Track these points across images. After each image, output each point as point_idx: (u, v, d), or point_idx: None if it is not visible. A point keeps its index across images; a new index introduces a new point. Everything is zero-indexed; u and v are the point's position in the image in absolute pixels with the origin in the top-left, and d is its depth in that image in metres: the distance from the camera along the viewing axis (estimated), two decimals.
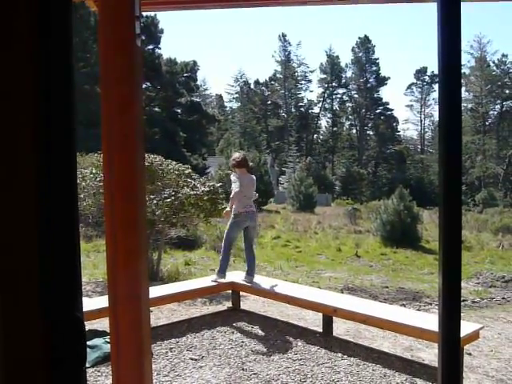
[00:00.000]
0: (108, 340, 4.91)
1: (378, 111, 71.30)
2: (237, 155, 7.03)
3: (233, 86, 77.84)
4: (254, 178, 7.02)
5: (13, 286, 0.86)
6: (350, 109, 73.85)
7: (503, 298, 9.01)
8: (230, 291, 7.12)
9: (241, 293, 7.08)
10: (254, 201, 6.85)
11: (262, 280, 7.03)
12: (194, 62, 46.10)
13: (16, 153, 0.86)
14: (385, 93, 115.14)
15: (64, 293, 0.90)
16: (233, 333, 6.00)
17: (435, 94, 67.72)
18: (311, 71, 75.20)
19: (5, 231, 0.86)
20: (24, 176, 0.87)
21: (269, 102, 74.97)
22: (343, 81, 73.25)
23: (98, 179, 8.24)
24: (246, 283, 6.72)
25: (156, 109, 41.83)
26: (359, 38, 71.11)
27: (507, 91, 63.47)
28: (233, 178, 6.82)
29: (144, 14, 34.44)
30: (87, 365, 4.80)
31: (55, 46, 0.90)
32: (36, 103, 0.87)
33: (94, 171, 8.67)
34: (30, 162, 0.87)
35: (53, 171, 0.90)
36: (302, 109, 74.89)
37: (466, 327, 4.76)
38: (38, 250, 0.87)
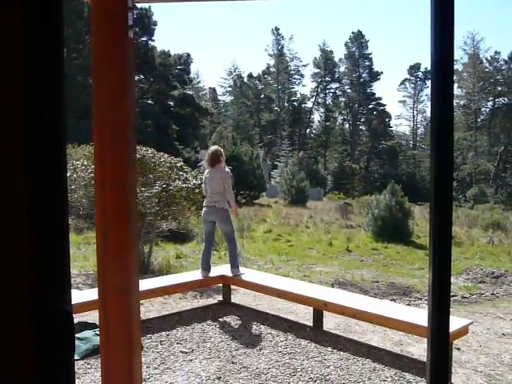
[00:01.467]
0: (98, 332, 4.90)
1: (371, 106, 71.40)
2: (208, 151, 7.05)
3: (226, 79, 77.81)
4: (225, 171, 6.84)
5: (0, 277, 0.85)
6: (342, 104, 73.94)
7: (492, 294, 9.07)
8: (221, 284, 7.13)
9: (232, 286, 7.09)
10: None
11: (246, 272, 7.08)
12: (188, 55, 46.01)
13: (5, 144, 0.85)
14: (378, 88, 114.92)
15: (52, 285, 0.90)
16: (223, 326, 6.01)
17: (428, 90, 67.79)
18: (304, 65, 75.33)
19: None
20: (12, 168, 0.86)
21: (262, 96, 74.93)
22: (336, 75, 73.29)
23: (90, 171, 8.21)
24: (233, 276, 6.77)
25: (149, 101, 41.74)
26: (353, 32, 71.21)
27: (499, 88, 63.75)
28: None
29: (138, 5, 34.28)
30: (77, 357, 4.79)
31: (45, 37, 0.89)
32: (25, 95, 0.86)
33: (85, 163, 8.64)
34: (18, 153, 0.86)
35: (42, 163, 0.89)
36: (294, 103, 74.91)
37: (456, 322, 4.79)
38: (25, 241, 0.87)
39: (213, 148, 7.04)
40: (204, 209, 6.93)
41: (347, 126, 73.20)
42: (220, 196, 6.72)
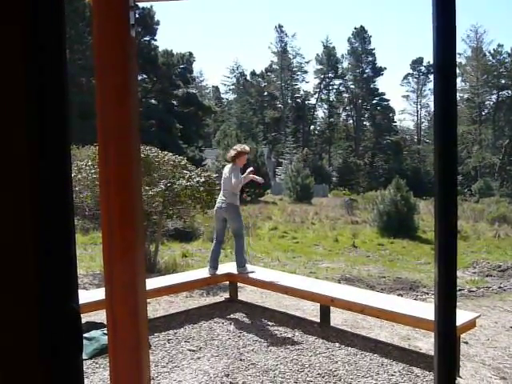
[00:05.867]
0: (106, 332, 4.92)
1: (375, 102, 71.27)
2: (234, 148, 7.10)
3: (229, 77, 77.77)
4: (228, 167, 6.94)
5: (7, 277, 0.86)
6: (346, 99, 73.82)
7: (500, 287, 9.04)
8: (228, 282, 7.14)
9: (238, 284, 7.10)
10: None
11: (253, 269, 7.07)
12: (190, 54, 45.98)
13: (8, 146, 0.86)
14: (381, 83, 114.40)
15: (59, 284, 0.90)
16: (230, 324, 6.02)
17: (431, 85, 67.41)
18: (307, 62, 75.18)
19: None
20: (17, 170, 0.86)
21: (265, 94, 74.88)
22: (339, 71, 73.14)
23: (94, 171, 8.22)
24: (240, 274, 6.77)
25: (152, 101, 41.79)
26: (355, 28, 70.99)
27: (503, 81, 63.52)
28: None
29: (140, 5, 34.29)
30: (85, 357, 4.81)
31: (47, 38, 0.89)
32: (28, 96, 0.86)
33: (90, 163, 8.65)
34: (22, 154, 0.86)
35: (46, 164, 0.89)
36: (298, 100, 74.82)
37: (463, 316, 4.78)
38: (32, 241, 0.87)
39: (237, 147, 7.10)
40: (216, 206, 6.96)
41: (351, 121, 73.06)
42: (229, 192, 6.74)
